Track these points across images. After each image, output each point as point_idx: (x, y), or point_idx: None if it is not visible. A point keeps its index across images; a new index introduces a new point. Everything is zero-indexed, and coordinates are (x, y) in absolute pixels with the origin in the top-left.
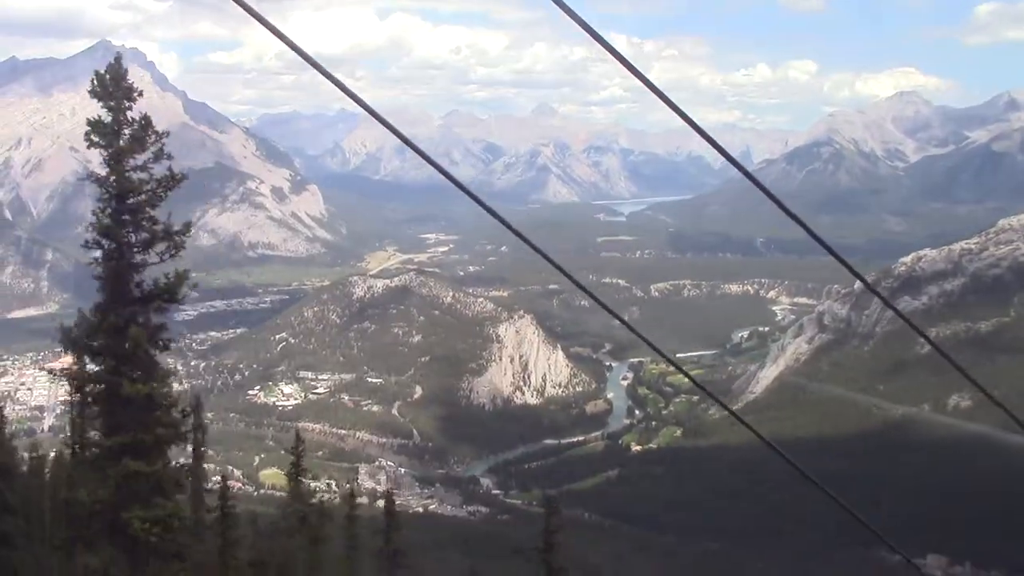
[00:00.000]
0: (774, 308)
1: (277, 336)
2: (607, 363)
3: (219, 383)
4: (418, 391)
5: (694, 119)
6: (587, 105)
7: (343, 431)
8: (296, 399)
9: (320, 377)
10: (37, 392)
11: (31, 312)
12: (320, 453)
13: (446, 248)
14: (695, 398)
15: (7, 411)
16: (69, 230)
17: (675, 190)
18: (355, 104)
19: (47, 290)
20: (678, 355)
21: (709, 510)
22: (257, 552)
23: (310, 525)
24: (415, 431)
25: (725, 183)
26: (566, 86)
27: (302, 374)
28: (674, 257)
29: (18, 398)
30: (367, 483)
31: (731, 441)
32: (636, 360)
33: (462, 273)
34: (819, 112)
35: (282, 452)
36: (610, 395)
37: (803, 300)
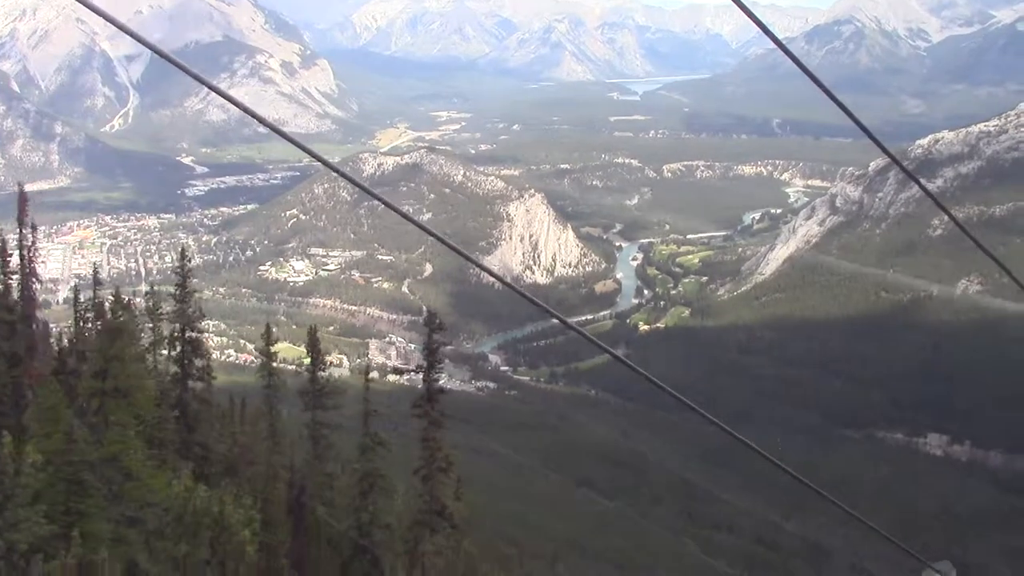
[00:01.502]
0: (787, 190)
1: (288, 212)
2: (617, 243)
3: (230, 258)
4: (428, 269)
5: None
6: None
7: (353, 307)
8: (307, 275)
9: (331, 254)
10: (51, 265)
11: (42, 186)
12: (331, 328)
13: (458, 126)
14: (703, 279)
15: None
16: (79, 103)
17: (692, 69)
18: None
19: (58, 164)
20: (688, 236)
21: (713, 388)
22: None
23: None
24: (425, 308)
25: (743, 62)
26: None
27: (313, 251)
28: (688, 137)
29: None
30: (377, 358)
31: (739, 321)
32: (646, 240)
33: (473, 151)
34: None
35: (294, 327)
36: (619, 275)
37: (817, 182)
